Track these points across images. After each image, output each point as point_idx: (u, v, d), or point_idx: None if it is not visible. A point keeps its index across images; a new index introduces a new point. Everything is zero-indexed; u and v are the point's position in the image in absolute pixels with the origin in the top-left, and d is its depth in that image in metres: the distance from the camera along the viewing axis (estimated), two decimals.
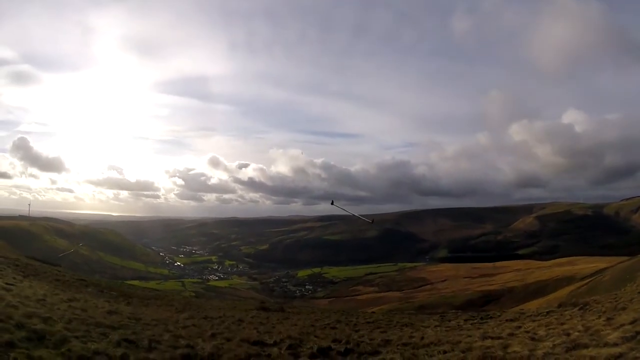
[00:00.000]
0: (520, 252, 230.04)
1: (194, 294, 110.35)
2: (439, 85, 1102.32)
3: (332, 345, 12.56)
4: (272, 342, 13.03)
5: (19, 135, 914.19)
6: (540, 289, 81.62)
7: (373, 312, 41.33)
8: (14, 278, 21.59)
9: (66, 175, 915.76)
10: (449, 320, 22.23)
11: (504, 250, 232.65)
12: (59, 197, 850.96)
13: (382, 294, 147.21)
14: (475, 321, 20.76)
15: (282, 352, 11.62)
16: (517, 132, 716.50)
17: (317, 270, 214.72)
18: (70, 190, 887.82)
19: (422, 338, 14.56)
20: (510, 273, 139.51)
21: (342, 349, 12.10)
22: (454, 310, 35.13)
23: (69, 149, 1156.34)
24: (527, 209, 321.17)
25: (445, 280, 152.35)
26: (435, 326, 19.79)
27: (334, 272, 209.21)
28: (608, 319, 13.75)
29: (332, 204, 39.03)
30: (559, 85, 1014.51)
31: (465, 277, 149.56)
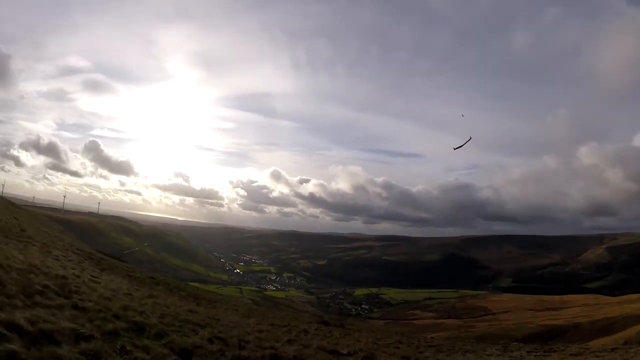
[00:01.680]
0: (589, 285, 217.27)
1: (250, 302, 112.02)
2: (502, 105, 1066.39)
3: None
4: (346, 352, 13.31)
5: (91, 139, 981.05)
6: (607, 326, 75.73)
7: (432, 337, 40.01)
8: (94, 271, 22.68)
9: (135, 179, 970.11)
10: (512, 351, 21.76)
11: (571, 283, 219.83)
12: (127, 198, 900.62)
13: (440, 321, 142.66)
14: (538, 354, 20.59)
15: None
16: (586, 155, 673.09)
17: (374, 290, 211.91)
18: (139, 193, 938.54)
19: None
20: (577, 308, 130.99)
21: None
22: (515, 343, 33.30)
23: (139, 155, 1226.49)
24: (598, 239, 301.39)
25: (507, 312, 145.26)
26: (497, 355, 19.88)
27: (391, 293, 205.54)
28: None
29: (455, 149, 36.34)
30: (629, 105, 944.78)
31: (529, 310, 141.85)
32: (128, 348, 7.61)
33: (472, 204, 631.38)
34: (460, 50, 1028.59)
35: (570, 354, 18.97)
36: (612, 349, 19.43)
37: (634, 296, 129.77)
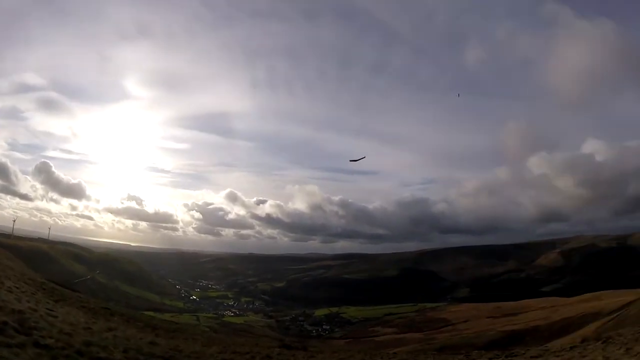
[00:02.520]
0: (545, 289, 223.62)
1: (208, 329, 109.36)
2: (457, 120, 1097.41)
3: None
4: None
5: (42, 160, 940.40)
6: (565, 327, 78.84)
7: (395, 353, 40.53)
8: (48, 302, 21.99)
9: (86, 202, 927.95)
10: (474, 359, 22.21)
11: (527, 288, 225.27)
12: (79, 223, 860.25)
13: (401, 335, 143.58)
14: (500, 359, 20.89)
15: None
16: (536, 164, 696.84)
17: (334, 309, 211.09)
18: (90, 218, 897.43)
19: None
20: (534, 311, 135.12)
21: None
22: (477, 351, 34.33)
23: (91, 177, 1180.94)
24: (550, 245, 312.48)
25: (467, 321, 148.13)
26: None
27: (352, 312, 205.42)
28: (627, 349, 14.02)
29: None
30: (577, 114, 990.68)
31: (488, 317, 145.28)
32: None
33: (428, 218, 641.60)
34: (416, 67, 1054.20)
35: (531, 357, 19.72)
36: (571, 348, 20.29)
37: (588, 295, 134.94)
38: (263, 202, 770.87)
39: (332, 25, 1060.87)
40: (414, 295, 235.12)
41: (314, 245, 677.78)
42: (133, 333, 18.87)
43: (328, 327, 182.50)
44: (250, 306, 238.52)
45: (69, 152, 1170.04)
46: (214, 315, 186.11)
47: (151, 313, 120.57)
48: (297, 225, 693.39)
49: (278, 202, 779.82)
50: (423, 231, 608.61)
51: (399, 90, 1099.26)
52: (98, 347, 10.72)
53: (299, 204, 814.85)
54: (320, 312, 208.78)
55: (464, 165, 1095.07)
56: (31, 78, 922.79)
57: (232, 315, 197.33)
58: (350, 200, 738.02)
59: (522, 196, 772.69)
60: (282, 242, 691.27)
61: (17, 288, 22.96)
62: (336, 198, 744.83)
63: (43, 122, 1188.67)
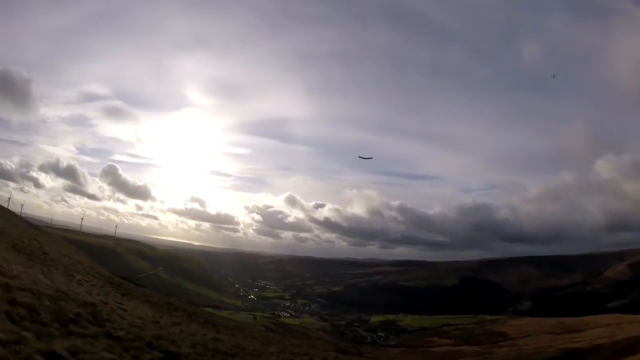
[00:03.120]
0: (611, 304, 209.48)
1: (264, 328, 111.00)
2: (518, 121, 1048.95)
3: None
4: None
5: (109, 163, 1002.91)
6: (630, 346, 73.05)
7: None
8: (115, 296, 22.86)
9: (152, 203, 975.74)
10: None
11: (592, 303, 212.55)
12: (144, 222, 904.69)
13: (458, 347, 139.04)
14: None
15: None
16: (603, 168, 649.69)
17: (390, 316, 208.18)
18: (155, 217, 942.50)
19: None
20: (598, 328, 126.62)
21: None
22: None
23: (156, 179, 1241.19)
24: (618, 256, 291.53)
25: (527, 336, 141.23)
26: None
27: (408, 320, 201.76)
28: None
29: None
30: None
31: (549, 333, 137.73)
32: None
33: (490, 225, 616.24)
34: (471, 67, 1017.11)
35: None
36: None
37: None
38: (321, 206, 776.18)
39: (385, 28, 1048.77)
40: (474, 306, 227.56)
41: (372, 251, 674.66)
42: (196, 329, 19.27)
43: (383, 334, 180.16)
44: (307, 308, 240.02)
45: (135, 156, 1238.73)
46: (270, 315, 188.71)
47: (210, 309, 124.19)
48: (355, 230, 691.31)
49: (336, 206, 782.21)
50: (485, 239, 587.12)
51: (455, 91, 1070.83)
52: (167, 340, 10.96)
53: (357, 209, 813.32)
54: (376, 319, 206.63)
55: (526, 169, 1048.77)
56: (97, 88, 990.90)
57: (287, 316, 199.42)
58: (409, 206, 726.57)
59: (589, 202, 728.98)
60: (340, 246, 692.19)
61: (87, 281, 24.10)
62: (395, 203, 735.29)
63: (110, 128, 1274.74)
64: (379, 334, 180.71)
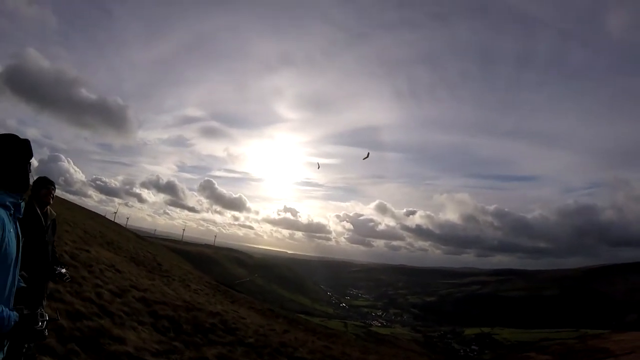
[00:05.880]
0: None
1: (354, 336, 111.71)
2: (620, 108, 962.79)
3: None
4: None
5: (206, 178, 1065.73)
6: None
7: None
8: (227, 304, 25.01)
9: (247, 214, 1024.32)
10: None
11: None
12: (241, 232, 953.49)
13: None
14: None
15: None
16: None
17: (486, 329, 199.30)
18: (251, 227, 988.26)
19: None
20: None
21: None
22: None
23: (251, 192, 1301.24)
24: None
25: (631, 353, 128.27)
26: None
27: (505, 333, 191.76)
28: None
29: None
30: None
31: None
32: None
33: (595, 228, 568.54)
34: (564, 53, 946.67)
35: None
36: None
37: None
38: (413, 212, 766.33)
39: (466, 23, 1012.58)
40: (577, 319, 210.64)
41: (468, 259, 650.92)
42: (302, 335, 20.71)
43: (477, 347, 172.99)
44: (399, 318, 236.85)
45: (231, 170, 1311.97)
46: (362, 324, 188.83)
47: (303, 315, 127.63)
48: (449, 237, 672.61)
49: (428, 212, 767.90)
50: (589, 244, 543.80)
51: (549, 83, 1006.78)
52: (289, 347, 12.33)
53: (450, 215, 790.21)
54: (470, 331, 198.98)
55: (632, 162, 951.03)
56: (193, 111, 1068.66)
57: (379, 326, 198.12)
58: (506, 210, 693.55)
59: None
60: (434, 255, 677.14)
61: (201, 290, 26.56)
62: (491, 207, 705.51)
63: (206, 146, 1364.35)
64: (472, 347, 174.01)
